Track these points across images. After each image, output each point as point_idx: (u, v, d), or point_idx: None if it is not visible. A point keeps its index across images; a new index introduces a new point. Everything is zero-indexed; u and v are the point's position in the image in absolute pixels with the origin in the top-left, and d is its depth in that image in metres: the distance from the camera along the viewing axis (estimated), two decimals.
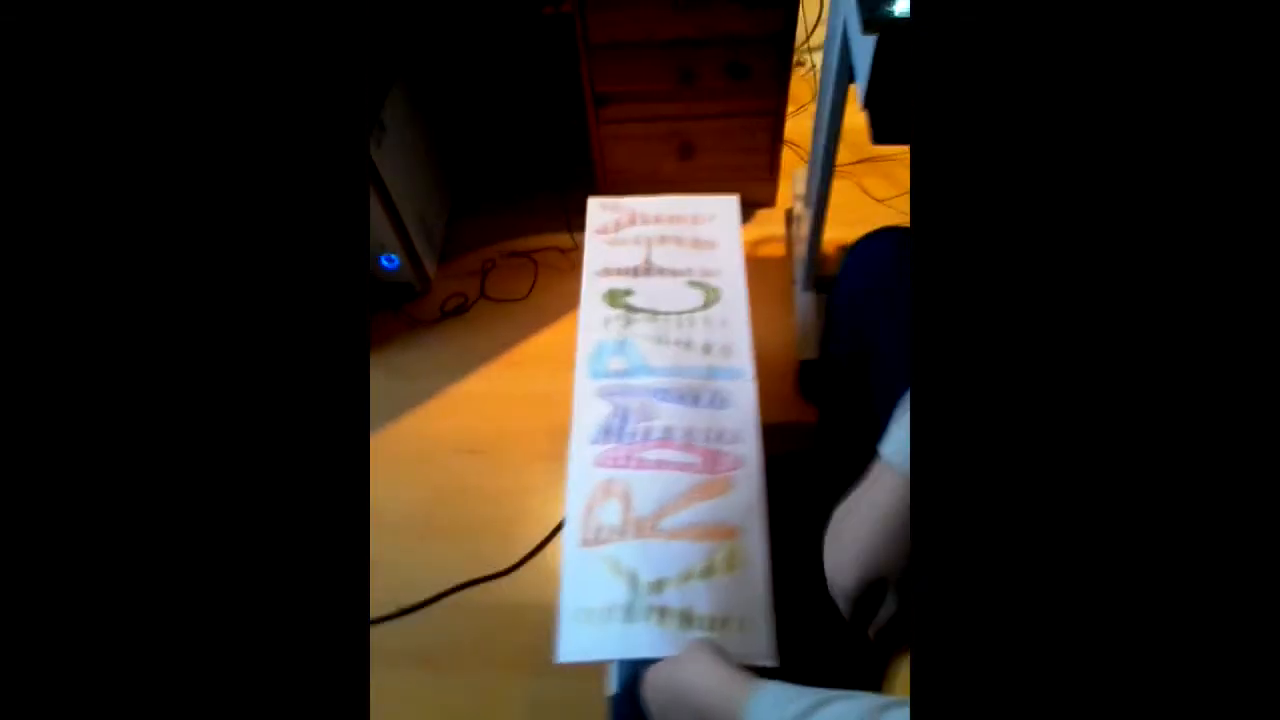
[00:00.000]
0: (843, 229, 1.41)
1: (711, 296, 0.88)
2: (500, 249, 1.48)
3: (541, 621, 1.03)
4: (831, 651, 0.72)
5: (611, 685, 0.66)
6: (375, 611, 1.05)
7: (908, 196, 1.51)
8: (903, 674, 0.54)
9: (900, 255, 0.76)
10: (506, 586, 1.08)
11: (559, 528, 1.10)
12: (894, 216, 1.46)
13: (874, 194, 1.51)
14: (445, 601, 1.07)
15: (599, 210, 0.98)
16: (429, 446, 1.23)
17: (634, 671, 0.63)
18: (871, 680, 0.61)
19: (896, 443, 0.50)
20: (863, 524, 0.51)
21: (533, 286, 1.42)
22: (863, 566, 0.51)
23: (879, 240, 0.79)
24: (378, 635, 1.04)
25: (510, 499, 1.16)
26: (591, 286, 0.90)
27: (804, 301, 1.25)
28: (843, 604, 0.53)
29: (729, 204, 0.97)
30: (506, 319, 1.38)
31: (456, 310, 1.39)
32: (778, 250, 1.43)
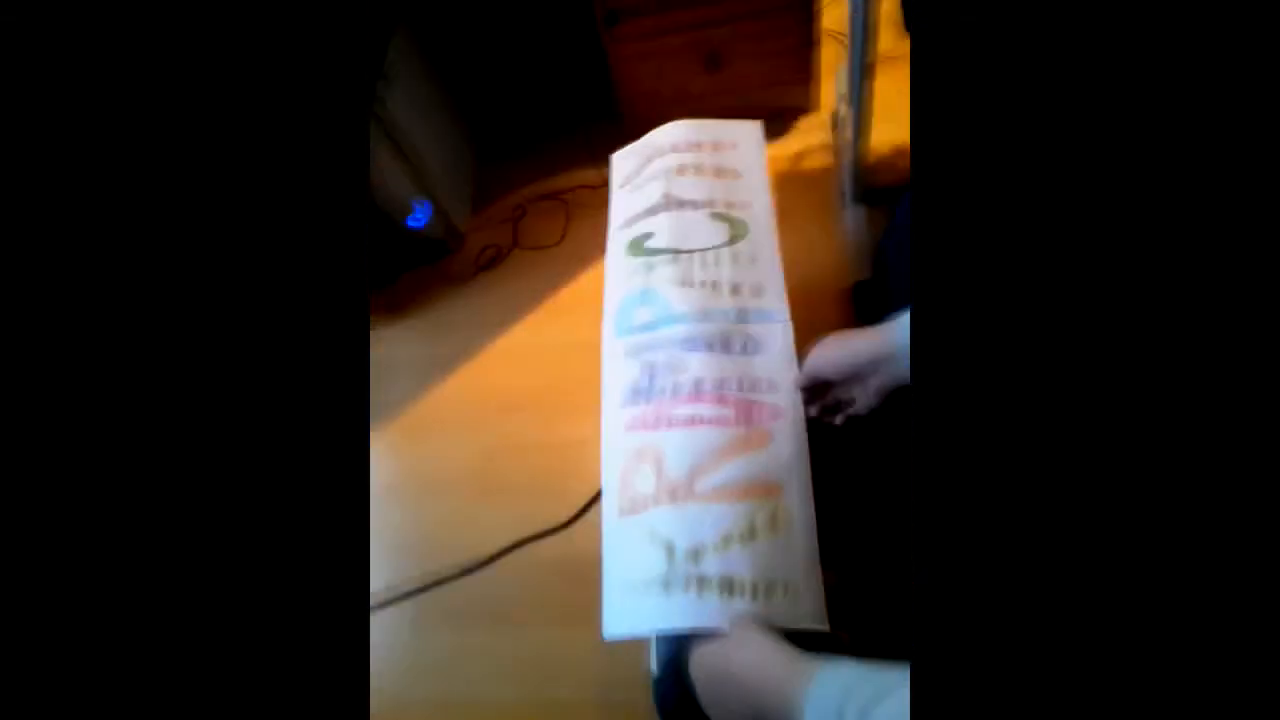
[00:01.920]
0: (898, 127, 1.27)
1: (738, 231, 0.80)
2: (529, 193, 1.42)
3: (599, 575, 1.02)
4: (884, 609, 0.66)
5: (651, 666, 0.63)
6: (438, 574, 1.06)
7: None
8: None
9: None
10: (564, 541, 1.07)
11: None
12: None
13: None
14: (504, 560, 1.07)
15: (621, 162, 0.91)
16: (477, 405, 1.21)
17: (675, 652, 0.59)
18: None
19: (898, 326, 0.57)
20: (851, 348, 0.61)
21: (565, 230, 1.36)
22: (838, 372, 0.63)
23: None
24: (441, 596, 1.05)
25: (560, 453, 1.13)
26: (615, 242, 0.83)
27: (854, 216, 1.14)
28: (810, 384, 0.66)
29: (752, 130, 0.88)
30: (542, 267, 1.33)
31: (491, 263, 1.35)
32: (824, 160, 1.31)
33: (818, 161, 1.31)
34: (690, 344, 0.72)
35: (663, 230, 0.80)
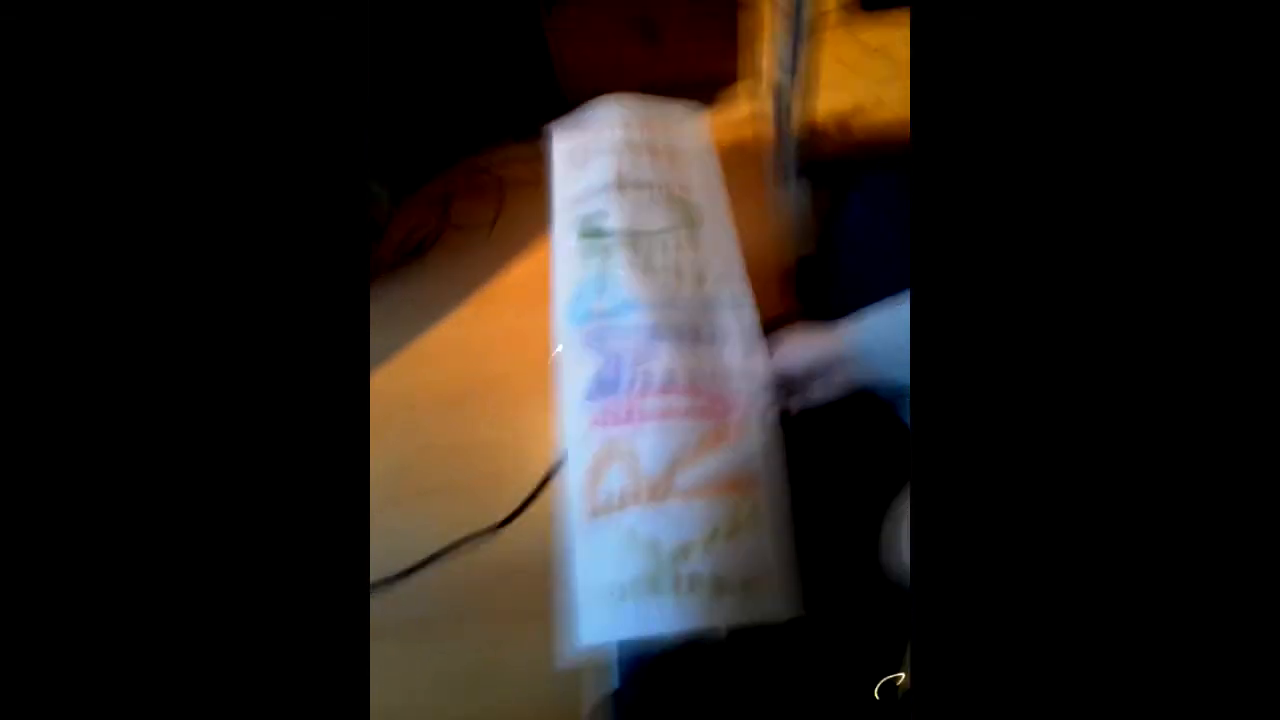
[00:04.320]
0: (838, 93, 1.27)
1: (693, 216, 0.77)
2: (461, 169, 1.33)
3: (536, 578, 0.98)
4: (856, 595, 0.67)
5: (612, 679, 0.60)
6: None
7: (890, 65, 1.34)
8: None
9: (895, 202, 0.66)
10: (500, 543, 1.02)
11: (548, 477, 1.04)
12: (893, 68, 1.30)
13: (869, 41, 1.34)
14: (438, 564, 1.01)
15: (562, 136, 0.86)
16: (406, 403, 1.14)
17: (641, 662, 0.57)
18: (899, 624, 0.57)
19: (861, 329, 0.56)
20: (815, 348, 0.61)
21: (499, 211, 1.29)
22: (804, 371, 0.63)
23: (876, 182, 0.68)
24: (372, 605, 0.99)
25: (495, 450, 1.08)
26: (562, 221, 0.79)
27: (793, 191, 1.13)
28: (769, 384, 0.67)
29: (697, 114, 0.86)
30: (475, 250, 1.26)
31: (419, 247, 1.27)
32: (759, 131, 1.29)
33: (752, 132, 1.29)
34: (657, 333, 0.69)
35: (616, 210, 0.76)
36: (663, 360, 0.68)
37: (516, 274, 1.23)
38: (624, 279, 0.72)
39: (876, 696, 0.58)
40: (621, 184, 0.77)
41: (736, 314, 0.71)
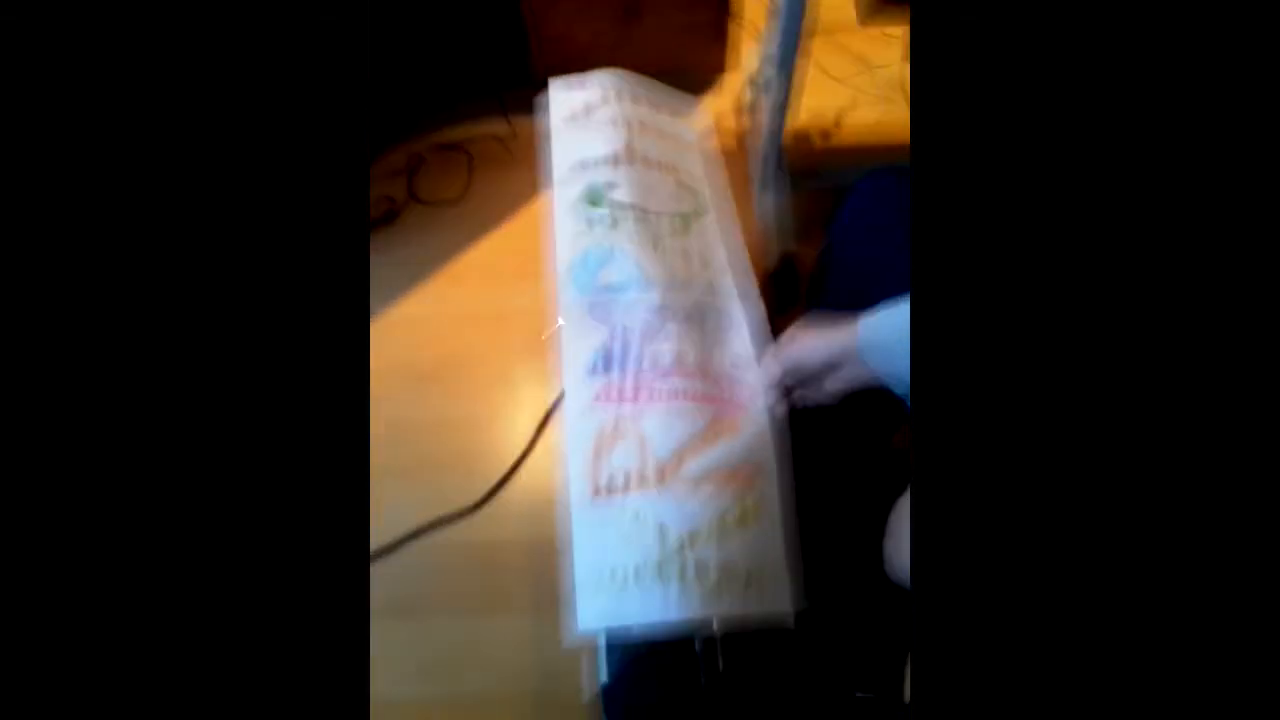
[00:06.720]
0: (798, 112, 1.29)
1: (700, 205, 0.76)
2: (428, 142, 1.28)
3: (514, 560, 0.96)
4: (856, 593, 0.67)
5: (600, 674, 0.58)
6: None
7: (868, 73, 1.39)
8: None
9: (903, 201, 0.66)
10: (474, 525, 0.99)
11: (522, 458, 1.02)
12: (852, 95, 1.35)
13: (831, 72, 1.38)
14: (410, 546, 0.97)
15: (565, 91, 0.82)
16: (373, 378, 1.08)
17: (629, 656, 0.56)
18: (899, 622, 0.58)
19: (871, 328, 0.55)
20: (826, 343, 0.59)
21: (468, 186, 1.25)
22: (818, 365, 0.60)
23: (879, 181, 0.69)
24: None
25: (466, 430, 1.05)
26: (565, 187, 0.75)
27: (764, 203, 1.14)
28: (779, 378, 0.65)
29: (696, 105, 0.86)
30: (443, 225, 1.21)
31: (385, 218, 1.21)
32: (734, 134, 1.29)
33: (727, 135, 1.29)
34: (667, 313, 0.67)
35: (627, 184, 0.74)
36: (673, 341, 0.66)
37: (488, 250, 1.19)
38: (633, 254, 0.70)
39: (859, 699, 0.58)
40: (631, 158, 0.75)
41: (744, 305, 0.71)
